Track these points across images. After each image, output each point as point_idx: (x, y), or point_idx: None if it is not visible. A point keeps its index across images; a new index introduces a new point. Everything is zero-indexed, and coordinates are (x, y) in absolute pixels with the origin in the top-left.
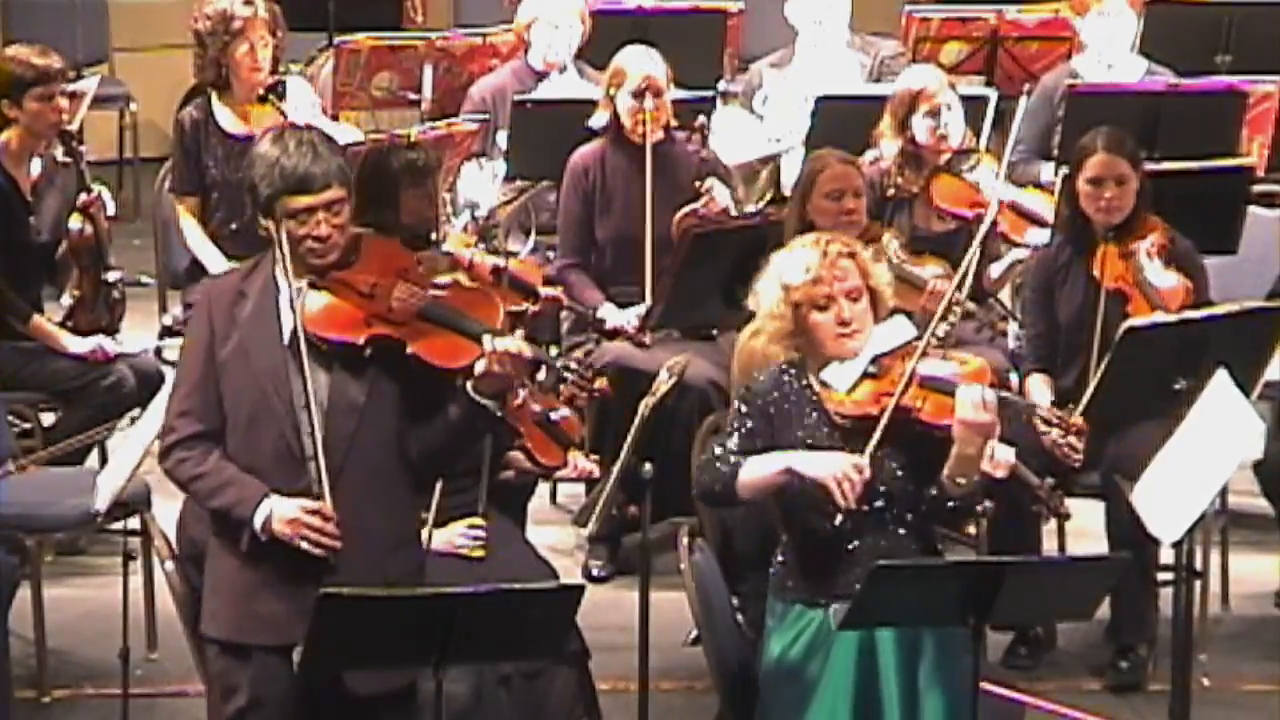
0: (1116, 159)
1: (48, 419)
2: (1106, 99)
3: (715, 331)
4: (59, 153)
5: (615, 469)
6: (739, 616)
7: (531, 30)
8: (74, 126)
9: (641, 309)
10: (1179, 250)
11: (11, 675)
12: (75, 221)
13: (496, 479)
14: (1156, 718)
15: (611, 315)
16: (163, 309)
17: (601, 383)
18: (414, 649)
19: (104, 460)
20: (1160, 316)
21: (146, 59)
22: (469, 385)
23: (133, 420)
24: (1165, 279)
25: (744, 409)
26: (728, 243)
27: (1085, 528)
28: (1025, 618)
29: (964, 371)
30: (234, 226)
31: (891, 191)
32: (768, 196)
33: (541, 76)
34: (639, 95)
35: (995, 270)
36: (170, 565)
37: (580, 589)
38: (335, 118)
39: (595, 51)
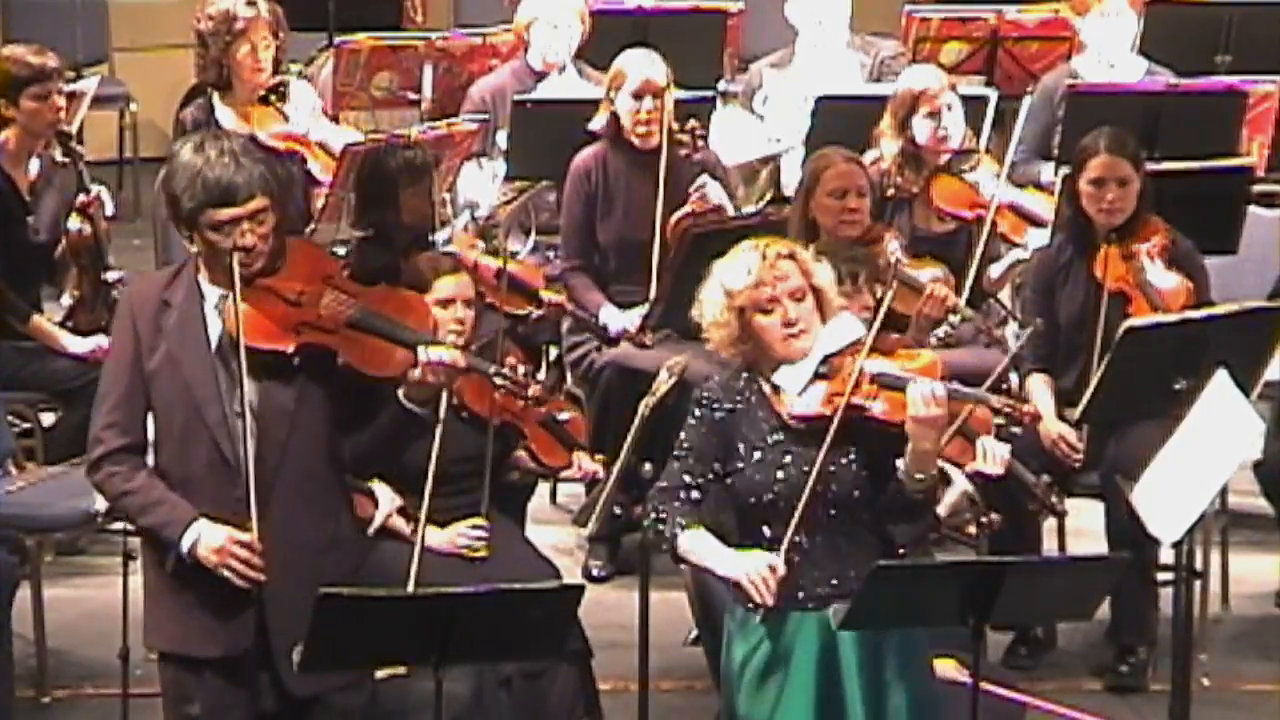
0: (1119, 160)
1: (48, 419)
2: (1106, 99)
3: None
4: (57, 153)
5: (615, 469)
6: None
7: (531, 30)
8: (74, 127)
9: (642, 310)
10: (1180, 251)
11: (12, 675)
12: (74, 222)
13: (501, 480)
14: (1157, 718)
15: (613, 318)
16: None
17: (536, 389)
18: (414, 649)
19: None
20: (1160, 316)
21: (146, 59)
22: (400, 392)
23: None
24: (1167, 280)
25: (694, 419)
26: (727, 242)
27: (1085, 528)
28: (1025, 618)
29: (914, 366)
30: None
31: (891, 192)
32: (767, 196)
33: (541, 76)
34: (638, 97)
35: (995, 270)
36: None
37: (580, 589)
38: (335, 118)
39: (595, 52)
